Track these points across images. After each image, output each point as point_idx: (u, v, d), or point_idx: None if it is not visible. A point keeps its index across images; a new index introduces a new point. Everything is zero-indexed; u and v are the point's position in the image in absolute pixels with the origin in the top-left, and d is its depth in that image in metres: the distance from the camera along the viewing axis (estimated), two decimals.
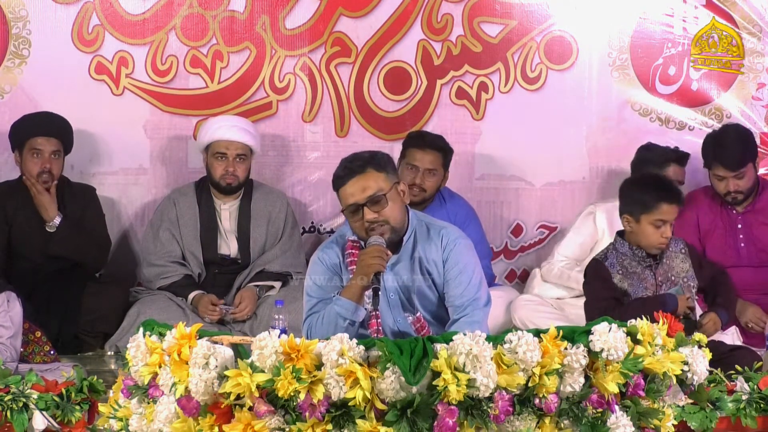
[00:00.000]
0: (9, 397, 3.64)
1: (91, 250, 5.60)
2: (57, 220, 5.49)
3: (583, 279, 4.72)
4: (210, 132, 5.65)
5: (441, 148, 5.69)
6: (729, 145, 5.45)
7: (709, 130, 6.00)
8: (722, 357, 4.09)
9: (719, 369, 3.87)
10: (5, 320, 4.71)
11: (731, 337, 5.17)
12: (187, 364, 3.07)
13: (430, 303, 4.19)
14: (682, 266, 4.57)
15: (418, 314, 4.15)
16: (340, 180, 4.08)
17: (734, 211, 5.56)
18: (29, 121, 5.59)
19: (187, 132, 6.03)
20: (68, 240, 5.49)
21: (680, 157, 5.70)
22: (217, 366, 3.02)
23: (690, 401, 3.57)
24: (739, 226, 5.55)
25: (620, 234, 4.58)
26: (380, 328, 4.07)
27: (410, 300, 4.17)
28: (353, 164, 4.08)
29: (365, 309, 4.03)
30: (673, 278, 4.52)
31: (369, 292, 4.00)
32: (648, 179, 4.83)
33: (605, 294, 4.45)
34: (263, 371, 2.98)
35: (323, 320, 4.04)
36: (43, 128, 5.54)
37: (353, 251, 4.11)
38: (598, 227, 5.65)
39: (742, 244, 5.53)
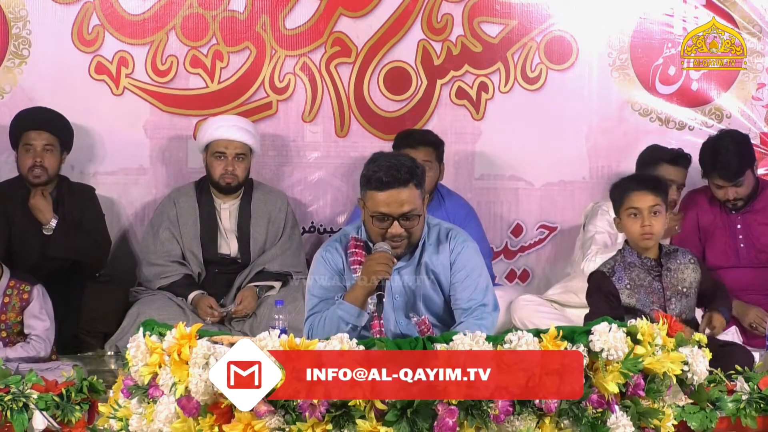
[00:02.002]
0: (9, 397, 3.65)
1: (90, 250, 5.60)
2: (53, 223, 5.48)
3: (587, 287, 4.67)
4: (209, 131, 5.65)
5: (431, 142, 5.69)
6: (726, 156, 5.41)
7: (710, 130, 6.00)
8: (713, 352, 4.06)
9: (719, 369, 3.87)
10: (42, 313, 4.77)
11: (731, 336, 5.16)
12: (187, 364, 3.07)
13: (436, 306, 4.18)
14: (693, 276, 4.48)
15: (424, 317, 4.14)
16: (380, 184, 3.98)
17: (734, 212, 5.56)
18: (22, 117, 5.59)
19: (187, 132, 6.03)
20: (66, 242, 5.48)
21: (674, 158, 5.67)
22: None
23: (690, 401, 3.57)
24: (739, 226, 5.54)
25: (628, 242, 4.55)
26: (382, 330, 4.06)
27: (415, 303, 4.16)
28: (399, 174, 3.98)
29: (368, 313, 4.02)
30: (684, 290, 4.47)
31: (373, 298, 3.99)
32: (623, 178, 4.85)
33: (605, 309, 4.42)
34: None
35: (325, 322, 4.02)
36: (34, 122, 5.53)
37: (357, 250, 4.10)
38: (613, 219, 5.61)
39: (742, 245, 5.53)
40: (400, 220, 4.00)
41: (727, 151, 5.42)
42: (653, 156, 5.68)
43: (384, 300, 3.96)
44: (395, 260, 4.02)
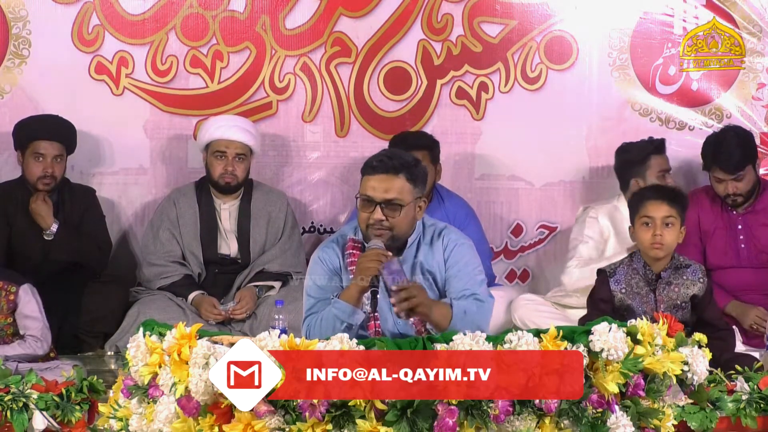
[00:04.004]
0: (9, 397, 3.65)
1: (91, 253, 5.60)
2: (54, 228, 5.48)
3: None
4: (210, 131, 5.65)
5: (425, 145, 5.67)
6: (727, 147, 5.43)
7: (710, 130, 6.00)
8: (725, 363, 4.06)
9: (719, 369, 3.87)
10: (34, 312, 4.75)
11: None
12: (187, 364, 3.07)
13: None
14: (696, 293, 4.48)
15: None
16: (371, 169, 4.05)
17: (735, 212, 5.56)
18: (34, 124, 5.57)
19: (187, 132, 6.03)
20: (66, 246, 5.49)
21: (658, 146, 5.70)
22: None
23: (690, 401, 3.57)
24: (740, 226, 5.54)
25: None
26: (379, 329, 4.06)
27: None
28: (391, 162, 4.05)
29: (363, 312, 4.02)
30: (681, 304, 4.46)
31: (368, 295, 3.99)
32: (643, 187, 4.89)
33: (593, 314, 4.44)
34: None
35: (321, 322, 4.02)
36: (48, 132, 5.53)
37: (354, 251, 4.11)
38: (603, 226, 5.64)
39: (743, 245, 5.53)
40: (382, 206, 4.01)
41: (730, 143, 5.44)
42: (640, 153, 5.66)
43: (378, 296, 3.96)
44: (388, 254, 4.01)
